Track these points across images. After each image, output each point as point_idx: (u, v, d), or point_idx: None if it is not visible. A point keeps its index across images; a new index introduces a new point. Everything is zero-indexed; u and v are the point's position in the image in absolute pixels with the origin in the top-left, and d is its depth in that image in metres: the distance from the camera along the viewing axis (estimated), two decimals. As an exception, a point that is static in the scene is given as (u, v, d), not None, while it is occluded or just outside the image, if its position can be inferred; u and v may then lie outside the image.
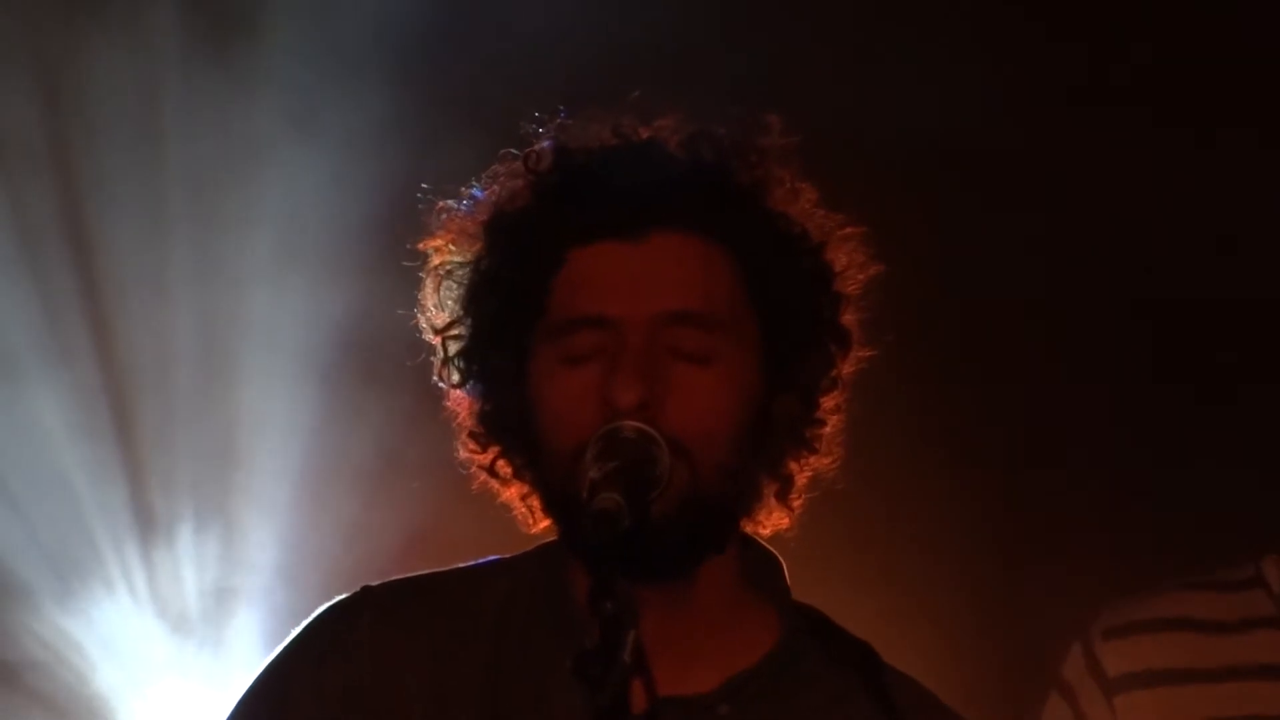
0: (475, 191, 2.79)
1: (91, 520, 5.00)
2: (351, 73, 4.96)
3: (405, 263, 2.84)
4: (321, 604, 2.80)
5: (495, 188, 2.77)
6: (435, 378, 2.80)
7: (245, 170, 5.00)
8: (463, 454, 2.80)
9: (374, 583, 2.79)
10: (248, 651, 4.99)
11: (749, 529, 2.76)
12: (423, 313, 2.80)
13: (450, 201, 2.80)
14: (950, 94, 4.92)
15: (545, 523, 2.76)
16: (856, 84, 4.89)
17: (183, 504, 5.04)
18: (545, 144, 2.76)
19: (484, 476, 2.80)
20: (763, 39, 4.95)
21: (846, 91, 4.84)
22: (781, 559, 2.78)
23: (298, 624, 2.80)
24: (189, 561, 5.04)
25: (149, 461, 5.03)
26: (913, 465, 4.96)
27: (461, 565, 2.82)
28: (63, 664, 5.00)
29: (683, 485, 2.57)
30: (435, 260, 2.79)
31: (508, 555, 2.82)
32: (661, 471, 2.53)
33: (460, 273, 2.77)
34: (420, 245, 2.80)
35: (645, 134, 2.74)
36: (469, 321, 2.76)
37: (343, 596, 2.78)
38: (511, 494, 2.78)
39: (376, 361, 4.79)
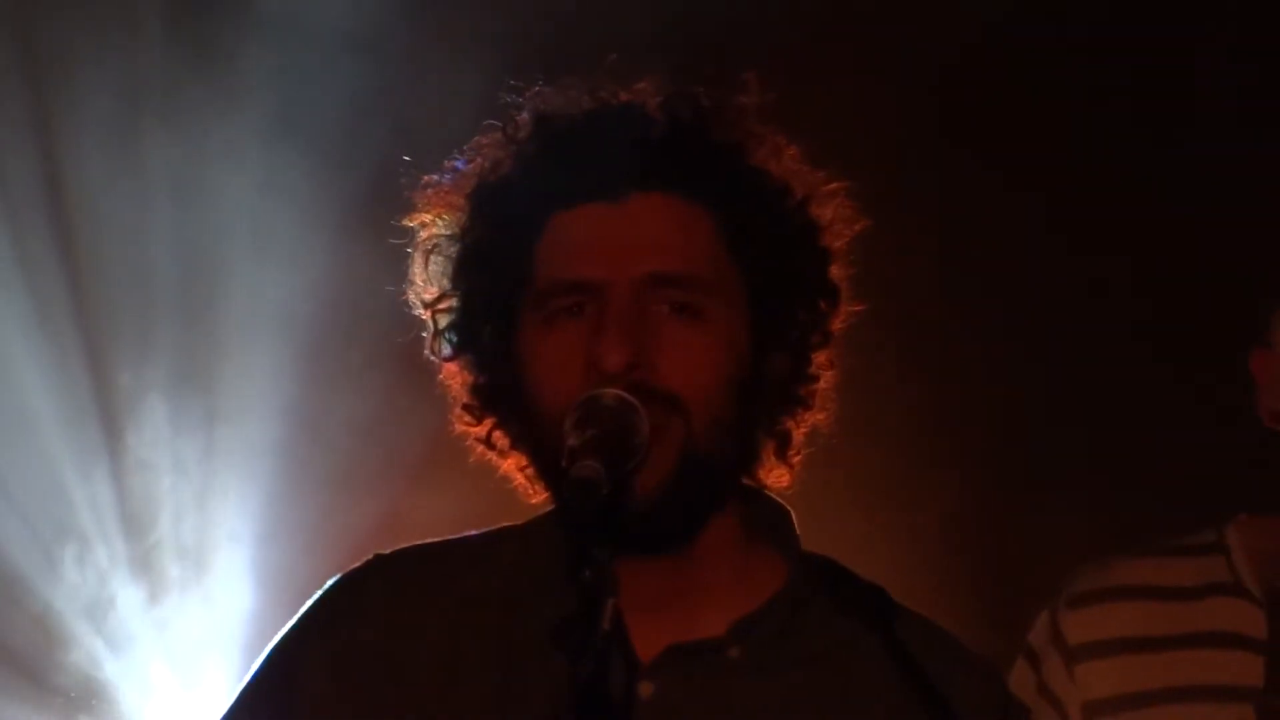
0: (458, 164, 2.79)
1: (71, 489, 5.01)
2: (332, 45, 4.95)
3: (391, 240, 2.84)
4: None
5: (478, 159, 2.77)
6: (427, 351, 2.80)
7: (224, 140, 5.02)
8: (458, 427, 2.80)
9: (385, 550, 2.80)
10: (229, 611, 5.02)
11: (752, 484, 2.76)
12: (411, 288, 2.80)
13: (434, 175, 2.80)
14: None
15: (544, 492, 2.75)
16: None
17: (162, 471, 5.05)
18: (525, 113, 2.76)
19: (481, 449, 2.80)
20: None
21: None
22: (789, 509, 2.78)
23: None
24: (169, 528, 5.06)
25: (130, 432, 5.05)
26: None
27: (472, 533, 2.82)
28: (43, 635, 5.01)
29: (679, 441, 2.57)
30: (422, 235, 2.79)
31: (513, 524, 2.82)
32: (640, 440, 2.52)
33: (447, 246, 2.77)
34: (405, 221, 2.80)
35: (623, 97, 2.73)
36: (458, 294, 2.76)
37: (354, 566, 2.79)
38: (510, 465, 2.78)
39: (360, 334, 4.79)
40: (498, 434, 2.77)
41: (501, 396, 2.73)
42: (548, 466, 2.66)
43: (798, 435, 2.76)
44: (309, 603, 2.78)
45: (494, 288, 2.71)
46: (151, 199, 5.02)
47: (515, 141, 2.74)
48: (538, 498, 2.77)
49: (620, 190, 2.65)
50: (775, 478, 2.76)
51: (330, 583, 2.79)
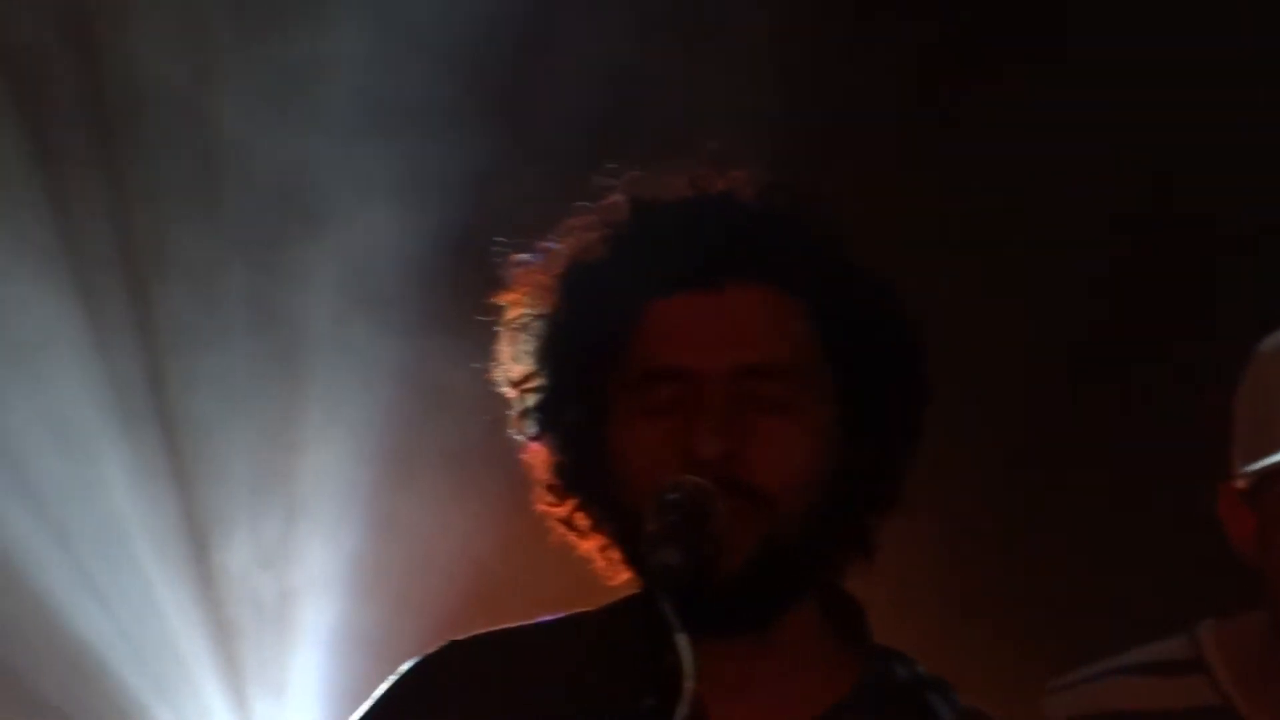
0: (549, 244, 2.80)
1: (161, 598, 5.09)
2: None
3: (479, 317, 2.84)
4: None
5: (569, 240, 2.78)
6: (511, 430, 2.80)
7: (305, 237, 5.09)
8: (539, 507, 2.80)
9: (460, 637, 2.80)
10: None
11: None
12: (498, 366, 2.80)
13: (524, 255, 2.81)
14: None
15: (625, 575, 2.75)
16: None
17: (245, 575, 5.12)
18: (620, 196, 2.77)
19: (561, 529, 2.80)
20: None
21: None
22: (863, 605, 2.78)
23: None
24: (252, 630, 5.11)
25: (215, 542, 5.13)
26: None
27: (542, 619, 2.82)
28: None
29: (763, 529, 2.58)
30: (510, 314, 2.79)
31: (588, 609, 2.81)
32: (718, 527, 2.53)
33: (535, 325, 2.77)
34: (495, 299, 2.81)
35: (721, 185, 2.75)
36: (545, 374, 2.76)
37: (428, 652, 2.78)
38: (590, 546, 2.78)
39: (434, 436, 4.83)
40: (579, 515, 2.77)
41: (585, 478, 2.74)
42: (632, 551, 2.67)
43: (878, 530, 2.76)
44: (383, 686, 2.78)
45: (585, 370, 2.71)
46: (231, 315, 5.12)
47: (611, 225, 2.75)
48: (616, 580, 2.77)
49: (718, 280, 2.66)
50: (854, 570, 2.77)
51: (404, 667, 2.78)
